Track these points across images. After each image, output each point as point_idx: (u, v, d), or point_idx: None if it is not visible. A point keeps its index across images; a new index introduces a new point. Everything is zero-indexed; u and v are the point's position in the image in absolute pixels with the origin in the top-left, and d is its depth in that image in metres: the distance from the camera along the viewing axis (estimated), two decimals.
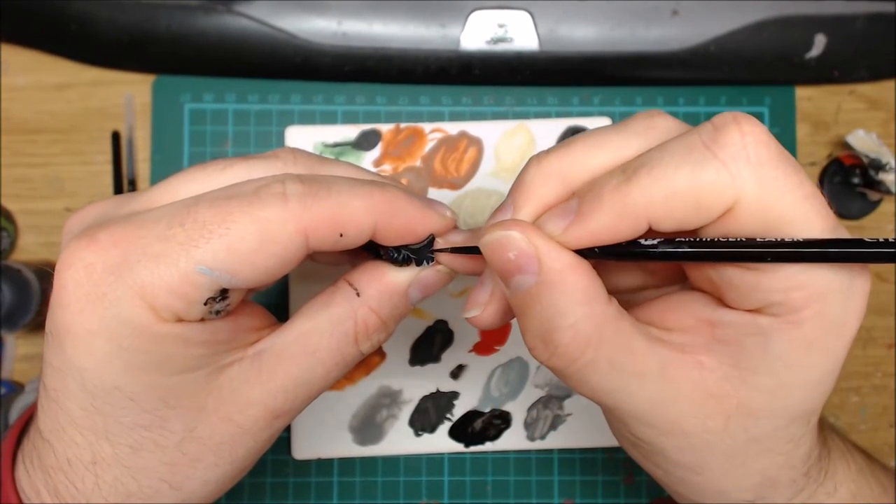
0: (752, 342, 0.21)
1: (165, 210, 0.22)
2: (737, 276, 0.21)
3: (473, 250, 0.24)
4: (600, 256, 0.21)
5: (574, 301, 0.21)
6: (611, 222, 0.20)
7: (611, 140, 0.22)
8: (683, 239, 0.21)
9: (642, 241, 0.21)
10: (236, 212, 0.22)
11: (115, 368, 0.22)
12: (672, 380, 0.22)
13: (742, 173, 0.19)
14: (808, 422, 0.23)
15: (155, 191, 0.24)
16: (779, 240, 0.20)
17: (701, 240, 0.21)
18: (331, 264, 0.29)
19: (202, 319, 0.23)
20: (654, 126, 0.22)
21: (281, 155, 0.25)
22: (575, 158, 0.22)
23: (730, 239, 0.20)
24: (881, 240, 0.19)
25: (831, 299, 0.20)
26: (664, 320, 0.23)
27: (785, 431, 0.23)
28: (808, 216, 0.20)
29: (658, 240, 0.21)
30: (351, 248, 0.24)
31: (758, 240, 0.20)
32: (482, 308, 0.24)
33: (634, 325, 0.22)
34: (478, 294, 0.24)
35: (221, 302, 0.23)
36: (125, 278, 0.21)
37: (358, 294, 0.25)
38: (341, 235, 0.23)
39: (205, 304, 0.22)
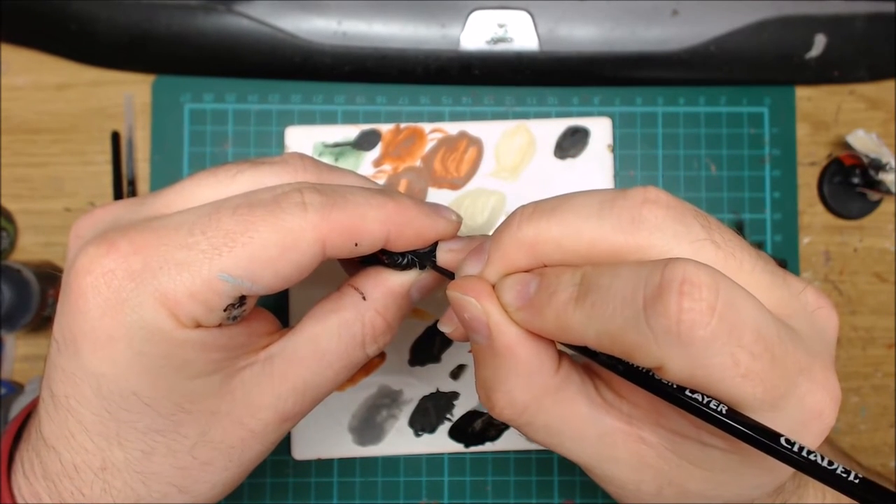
0: (692, 444, 0.21)
1: (185, 217, 0.23)
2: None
3: (452, 276, 0.25)
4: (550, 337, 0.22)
5: (514, 373, 0.22)
6: (553, 331, 0.21)
7: (590, 226, 0.21)
8: (622, 359, 0.20)
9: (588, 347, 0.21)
10: (258, 221, 0.22)
11: (134, 374, 0.22)
12: (610, 445, 0.22)
13: (667, 348, 0.18)
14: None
15: (167, 195, 0.24)
16: (705, 401, 0.19)
17: (637, 367, 0.20)
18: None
19: (220, 325, 0.23)
20: (639, 220, 0.20)
21: (289, 160, 0.25)
22: (551, 236, 0.21)
23: (662, 380, 0.20)
24: (797, 447, 0.18)
25: None
26: (621, 387, 0.23)
27: None
28: (740, 394, 0.19)
29: None
30: (363, 255, 0.25)
31: (686, 392, 0.19)
32: (454, 327, 0.25)
33: (581, 392, 0.23)
34: (452, 312, 0.24)
35: (239, 308, 0.23)
36: (147, 285, 0.21)
37: (364, 298, 0.26)
38: (356, 245, 0.24)
39: (224, 310, 0.23)
